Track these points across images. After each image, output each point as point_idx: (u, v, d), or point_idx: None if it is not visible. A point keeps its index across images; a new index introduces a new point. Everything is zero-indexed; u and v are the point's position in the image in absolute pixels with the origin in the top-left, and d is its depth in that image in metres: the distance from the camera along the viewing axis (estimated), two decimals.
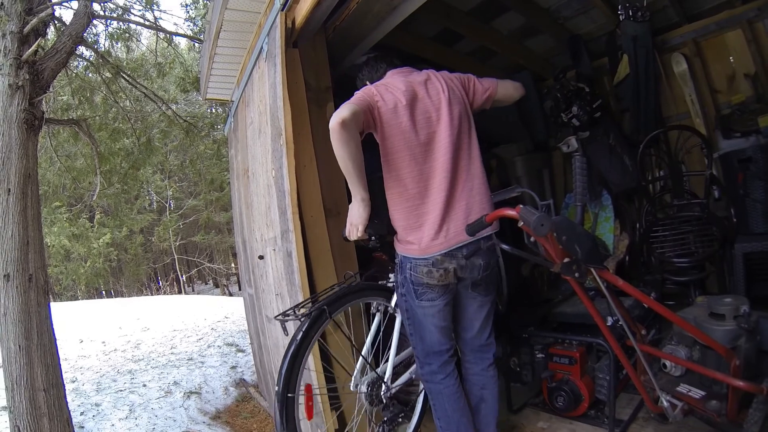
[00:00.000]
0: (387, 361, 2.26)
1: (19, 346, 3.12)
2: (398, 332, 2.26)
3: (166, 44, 7.49)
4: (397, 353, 2.28)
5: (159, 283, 25.42)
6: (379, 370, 2.24)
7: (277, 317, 2.11)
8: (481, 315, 2.12)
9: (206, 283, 27.86)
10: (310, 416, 2.09)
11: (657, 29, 3.78)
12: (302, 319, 2.02)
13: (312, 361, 2.26)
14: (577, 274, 1.70)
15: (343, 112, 1.75)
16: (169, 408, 4.22)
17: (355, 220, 1.96)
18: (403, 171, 1.92)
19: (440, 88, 2.02)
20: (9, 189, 3.26)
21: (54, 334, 3.32)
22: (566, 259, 1.69)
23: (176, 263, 21.27)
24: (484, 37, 3.90)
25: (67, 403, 3.32)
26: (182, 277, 22.03)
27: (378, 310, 2.33)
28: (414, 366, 2.32)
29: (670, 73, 3.92)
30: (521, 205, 1.63)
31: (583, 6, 3.75)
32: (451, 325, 2.10)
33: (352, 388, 2.17)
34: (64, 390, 3.33)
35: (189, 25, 8.54)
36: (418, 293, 1.98)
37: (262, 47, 2.84)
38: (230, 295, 20.22)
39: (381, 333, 2.30)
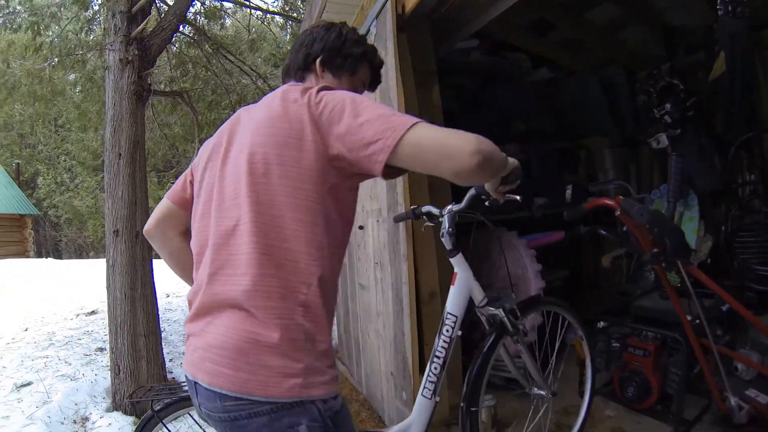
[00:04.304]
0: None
1: (125, 295, 3.47)
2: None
3: (259, 22, 7.83)
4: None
5: None
6: None
7: None
8: None
9: None
10: None
11: (756, 26, 3.50)
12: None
13: None
14: (664, 265, 1.85)
15: (149, 220, 1.40)
16: None
17: None
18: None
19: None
20: (120, 153, 3.59)
21: (155, 287, 3.67)
22: (655, 250, 1.83)
23: None
24: (578, 28, 3.86)
25: (162, 349, 3.68)
26: None
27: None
28: None
29: None
30: (622, 196, 1.76)
31: None
32: None
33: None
34: (161, 337, 3.68)
35: (277, 3, 8.88)
36: None
37: (369, 29, 2.94)
38: None
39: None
